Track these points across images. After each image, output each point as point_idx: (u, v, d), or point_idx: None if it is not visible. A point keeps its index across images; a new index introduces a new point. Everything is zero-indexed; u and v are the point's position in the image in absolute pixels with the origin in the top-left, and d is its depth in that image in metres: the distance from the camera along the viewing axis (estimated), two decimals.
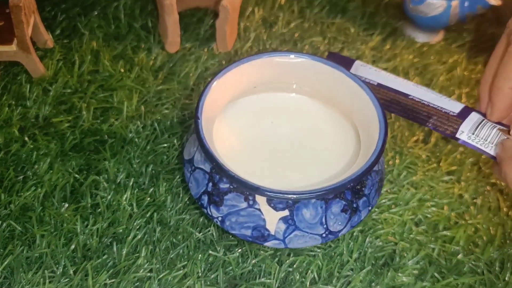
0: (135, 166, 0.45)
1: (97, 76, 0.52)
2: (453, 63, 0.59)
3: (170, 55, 0.55)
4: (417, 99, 0.41)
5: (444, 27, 0.59)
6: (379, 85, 0.41)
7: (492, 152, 0.36)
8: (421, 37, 0.61)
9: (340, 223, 0.37)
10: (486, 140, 0.37)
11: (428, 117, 0.39)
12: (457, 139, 0.38)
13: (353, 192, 0.37)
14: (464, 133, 0.38)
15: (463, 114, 0.39)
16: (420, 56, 0.59)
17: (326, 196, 0.35)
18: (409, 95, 0.41)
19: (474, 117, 0.38)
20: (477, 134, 0.38)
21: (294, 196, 0.34)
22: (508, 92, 0.36)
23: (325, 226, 0.36)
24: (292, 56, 0.41)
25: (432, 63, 0.59)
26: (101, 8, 0.59)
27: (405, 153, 0.49)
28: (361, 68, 0.43)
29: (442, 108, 0.39)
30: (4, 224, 0.41)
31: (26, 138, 0.46)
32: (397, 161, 0.48)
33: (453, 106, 0.40)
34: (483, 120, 0.38)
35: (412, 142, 0.50)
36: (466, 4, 0.56)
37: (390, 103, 0.40)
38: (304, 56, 0.41)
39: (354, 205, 0.37)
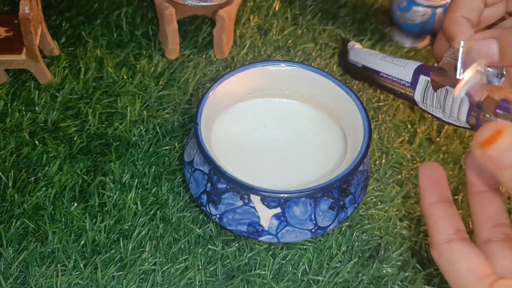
0: (138, 167, 0.48)
1: (102, 83, 0.55)
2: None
3: (170, 61, 0.58)
4: (385, 76, 0.40)
5: (430, 32, 0.63)
6: (363, 67, 0.42)
7: (439, 115, 0.33)
8: (408, 42, 0.64)
9: (328, 219, 0.40)
10: (433, 105, 0.34)
11: (398, 92, 0.39)
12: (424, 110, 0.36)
13: (339, 191, 0.40)
14: (420, 102, 0.36)
15: (414, 82, 0.36)
16: None
17: (315, 194, 0.38)
18: (380, 72, 0.41)
19: (421, 81, 0.35)
20: (426, 99, 0.35)
21: (285, 195, 0.37)
22: (461, 19, 0.33)
23: (314, 222, 0.40)
24: (283, 65, 0.44)
25: None
26: (104, 17, 0.62)
27: (391, 153, 0.52)
28: (353, 49, 0.44)
29: (400, 80, 0.38)
30: (18, 222, 0.44)
31: (36, 142, 0.49)
32: (383, 160, 0.52)
33: (406, 74, 0.37)
34: (428, 81, 0.35)
35: (398, 142, 0.54)
36: None
37: (373, 83, 0.41)
38: (295, 65, 0.44)
39: (341, 203, 0.40)
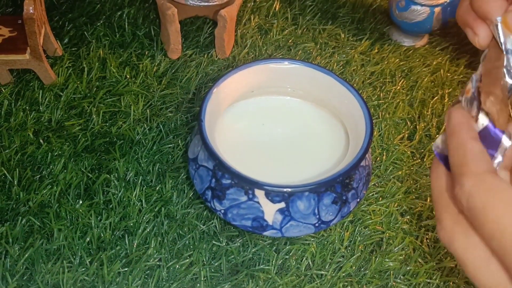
0: (143, 165, 0.49)
1: (105, 82, 0.55)
2: (436, 65, 0.63)
3: (172, 61, 0.58)
4: None
5: (428, 31, 0.63)
6: None
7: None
8: (407, 41, 0.65)
9: (331, 213, 0.41)
10: None
11: None
12: None
13: (342, 186, 0.41)
14: None
15: None
16: (406, 59, 0.63)
17: (318, 189, 0.39)
18: None
19: None
20: None
21: (289, 189, 0.38)
22: None
23: (317, 216, 0.40)
24: (286, 62, 0.45)
25: (417, 66, 0.63)
26: (106, 17, 0.62)
27: (391, 150, 0.53)
28: None
29: None
30: (24, 220, 0.45)
31: (41, 141, 0.50)
32: (384, 157, 0.52)
33: None
34: None
35: (398, 139, 0.54)
36: (448, 10, 0.60)
37: None
38: (297, 63, 0.45)
39: (344, 197, 0.41)
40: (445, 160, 0.26)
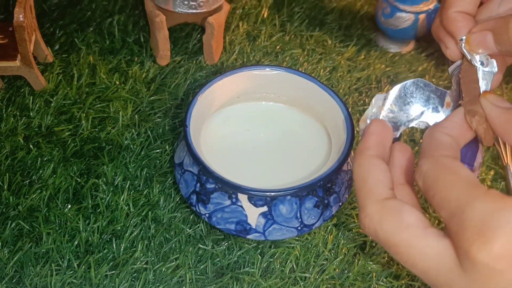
0: (131, 170, 0.50)
1: (94, 88, 0.56)
2: (422, 71, 0.64)
3: (161, 67, 0.59)
4: None
5: (414, 38, 0.65)
6: None
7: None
8: (393, 48, 0.66)
9: (313, 217, 0.42)
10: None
11: None
12: None
13: (324, 190, 0.42)
14: None
15: None
16: (392, 65, 0.64)
17: (300, 193, 0.40)
18: None
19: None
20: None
21: (272, 193, 0.39)
22: (455, 16, 0.32)
23: (300, 220, 0.41)
24: (268, 69, 0.46)
25: (403, 72, 0.64)
26: (96, 24, 0.63)
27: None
28: None
29: None
30: (13, 224, 0.45)
31: (31, 146, 0.51)
32: None
33: None
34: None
35: None
36: (432, 16, 0.62)
37: None
38: (280, 69, 0.46)
39: (326, 201, 0.42)
40: None
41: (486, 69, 0.32)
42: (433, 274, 0.22)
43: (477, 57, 0.31)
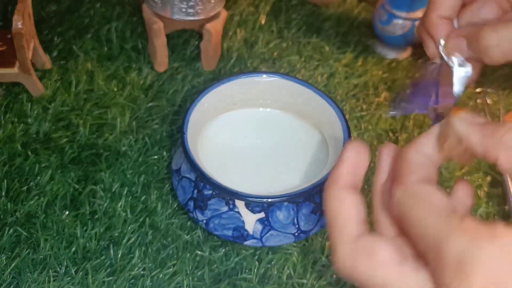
0: (128, 176, 0.50)
1: (92, 95, 0.57)
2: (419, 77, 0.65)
3: (159, 74, 0.60)
4: None
5: (410, 44, 0.65)
6: None
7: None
8: (390, 54, 0.67)
9: (310, 223, 0.42)
10: None
11: None
12: None
13: (321, 196, 0.42)
14: None
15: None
16: (389, 72, 0.65)
17: (297, 199, 0.40)
18: None
19: None
20: None
21: (269, 200, 0.39)
22: (437, 20, 0.34)
23: (297, 226, 0.41)
24: (264, 76, 0.46)
25: (400, 78, 0.64)
26: (95, 31, 0.63)
27: (373, 161, 0.54)
28: None
29: None
30: (11, 230, 0.45)
31: (29, 152, 0.51)
32: None
33: None
34: None
35: None
36: None
37: None
38: (276, 76, 0.46)
39: (323, 207, 0.42)
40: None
41: (462, 71, 0.35)
42: None
43: (454, 60, 0.35)
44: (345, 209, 0.23)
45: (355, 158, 0.24)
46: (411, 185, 0.22)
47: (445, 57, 0.35)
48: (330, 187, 0.24)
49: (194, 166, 0.40)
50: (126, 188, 0.49)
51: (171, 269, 0.44)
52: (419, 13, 0.61)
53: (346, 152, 0.24)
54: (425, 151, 0.24)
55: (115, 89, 0.57)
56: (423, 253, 0.21)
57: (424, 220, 0.21)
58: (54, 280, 0.43)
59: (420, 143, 0.25)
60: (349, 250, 0.22)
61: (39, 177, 0.49)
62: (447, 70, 0.35)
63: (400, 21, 0.62)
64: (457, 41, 0.34)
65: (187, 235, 0.47)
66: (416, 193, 0.22)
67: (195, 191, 0.42)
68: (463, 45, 0.34)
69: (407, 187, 0.22)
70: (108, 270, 0.44)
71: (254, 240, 0.41)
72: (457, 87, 0.34)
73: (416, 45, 0.67)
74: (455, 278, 0.19)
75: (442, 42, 0.35)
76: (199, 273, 0.45)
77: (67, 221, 0.46)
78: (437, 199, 0.21)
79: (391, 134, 0.57)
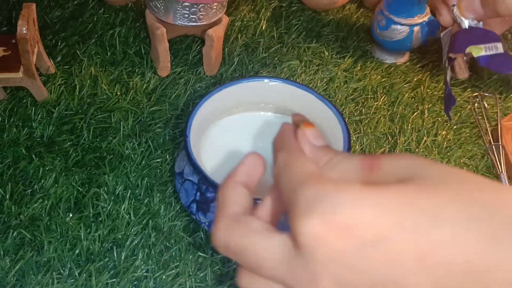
0: (131, 179, 0.51)
1: (96, 99, 0.57)
2: (417, 82, 0.66)
3: (161, 78, 0.60)
4: None
5: (409, 49, 0.66)
6: None
7: None
8: (388, 59, 0.68)
9: None
10: None
11: None
12: None
13: None
14: None
15: None
16: (387, 76, 0.66)
17: None
18: None
19: None
20: None
21: None
22: None
23: None
24: (266, 80, 0.47)
25: (398, 82, 0.65)
26: (98, 36, 0.64)
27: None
28: None
29: None
30: (15, 233, 0.46)
31: (33, 156, 0.51)
32: None
33: None
34: None
35: (379, 153, 0.56)
36: (426, 28, 0.63)
37: None
38: (277, 80, 0.47)
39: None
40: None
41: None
42: (278, 269, 0.23)
43: (466, 22, 0.38)
44: (234, 195, 0.26)
45: (253, 164, 0.28)
46: (291, 152, 0.27)
47: (457, 19, 0.38)
48: (227, 180, 0.27)
49: (196, 168, 0.41)
50: (129, 191, 0.50)
51: (174, 270, 0.45)
52: (417, 19, 0.62)
53: (247, 158, 0.28)
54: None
55: (118, 93, 0.58)
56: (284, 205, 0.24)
57: (287, 179, 0.24)
58: (58, 282, 0.43)
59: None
60: (227, 222, 0.25)
61: (43, 180, 0.50)
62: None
63: (398, 27, 0.63)
64: (470, 1, 0.37)
65: (190, 237, 0.47)
66: (289, 155, 0.26)
67: (198, 193, 0.42)
68: (476, 5, 0.37)
69: (287, 152, 0.27)
70: (112, 272, 0.44)
71: None
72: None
73: (414, 50, 0.68)
74: (301, 218, 0.21)
75: (455, 4, 0.38)
76: (201, 274, 0.45)
77: (70, 223, 0.47)
78: (305, 161, 0.25)
79: (390, 138, 0.58)
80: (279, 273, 0.23)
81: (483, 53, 0.41)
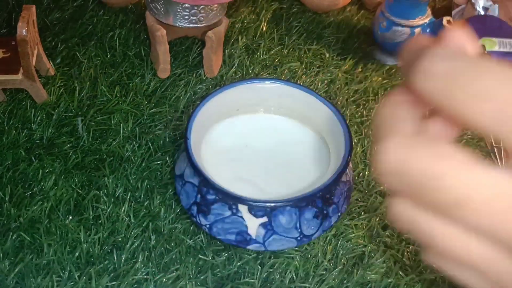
0: (131, 181, 0.50)
1: (96, 101, 0.57)
2: None
3: (162, 80, 0.60)
4: None
5: None
6: None
7: None
8: (389, 60, 0.68)
9: (312, 227, 0.42)
10: None
11: None
12: None
13: (323, 200, 0.42)
14: None
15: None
16: (388, 78, 0.65)
17: (299, 204, 0.40)
18: None
19: None
20: None
21: (272, 204, 0.40)
22: None
23: (299, 230, 0.42)
24: (267, 82, 0.47)
25: (399, 84, 0.65)
26: (98, 38, 0.64)
27: (374, 166, 0.55)
28: None
29: None
30: (15, 235, 0.46)
31: (32, 158, 0.51)
32: (366, 172, 0.54)
33: None
34: None
35: None
36: (427, 30, 0.63)
37: None
38: (278, 82, 0.47)
39: (325, 212, 0.42)
40: None
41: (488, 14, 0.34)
42: (497, 213, 0.15)
43: (481, 2, 0.34)
44: (401, 112, 0.19)
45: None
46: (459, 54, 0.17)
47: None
48: (385, 102, 0.19)
49: (197, 171, 0.40)
50: (129, 193, 0.49)
51: (174, 273, 0.45)
52: (418, 20, 0.62)
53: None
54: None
55: (118, 95, 0.58)
56: (487, 120, 0.15)
57: (493, 86, 0.15)
58: (57, 285, 0.43)
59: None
60: (403, 140, 0.17)
61: (42, 183, 0.49)
62: (472, 13, 0.34)
63: (399, 28, 0.63)
64: None
65: (190, 239, 0.47)
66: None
67: (199, 195, 0.42)
68: None
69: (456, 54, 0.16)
70: (112, 274, 0.44)
71: (257, 245, 0.42)
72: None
73: None
74: None
75: None
76: (202, 277, 0.45)
77: (70, 226, 0.47)
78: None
79: None
80: (495, 219, 0.15)
81: (496, 48, 0.37)
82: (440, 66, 0.16)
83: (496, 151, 0.57)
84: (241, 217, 0.41)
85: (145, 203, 0.49)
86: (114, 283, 0.44)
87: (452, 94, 0.16)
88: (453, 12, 0.37)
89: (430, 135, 0.19)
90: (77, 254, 0.45)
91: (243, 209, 0.41)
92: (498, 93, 0.15)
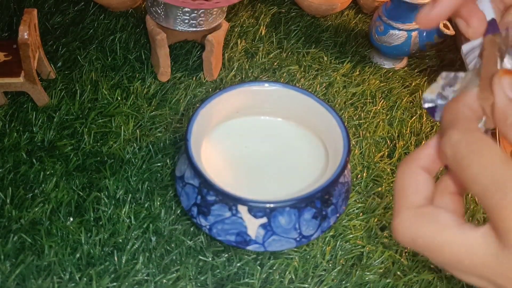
0: (132, 183, 0.51)
1: (97, 104, 0.58)
2: (415, 86, 0.66)
3: (162, 83, 0.61)
4: None
5: (407, 54, 0.66)
6: None
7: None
8: (387, 64, 0.68)
9: (311, 228, 0.42)
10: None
11: None
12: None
13: (322, 201, 0.43)
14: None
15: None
16: (386, 81, 0.66)
17: (298, 204, 0.41)
18: None
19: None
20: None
21: (271, 205, 0.40)
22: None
23: (298, 231, 0.42)
24: (266, 85, 0.47)
25: (397, 87, 0.65)
26: (99, 42, 0.65)
27: (372, 167, 0.55)
28: None
29: None
30: (16, 237, 0.46)
31: (34, 160, 0.52)
32: (364, 174, 0.55)
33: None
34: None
35: (378, 157, 0.57)
36: (424, 34, 0.64)
37: None
38: (277, 85, 0.47)
39: (324, 212, 0.43)
40: (433, 111, 0.29)
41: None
42: (481, 264, 0.21)
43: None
44: (416, 183, 0.24)
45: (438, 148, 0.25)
46: (472, 130, 0.23)
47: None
48: (407, 162, 0.25)
49: (197, 172, 0.41)
50: (130, 195, 0.50)
51: (175, 274, 0.45)
52: (415, 24, 0.63)
53: (432, 140, 0.25)
54: (471, 107, 0.24)
55: (119, 98, 0.58)
56: (478, 193, 0.21)
57: (485, 163, 0.21)
58: (58, 287, 0.43)
59: (466, 97, 0.25)
60: (412, 215, 0.23)
61: (43, 185, 0.50)
62: (493, 55, 0.29)
63: (396, 32, 0.63)
64: None
65: (190, 240, 0.47)
66: (478, 138, 0.22)
67: (199, 197, 0.42)
68: None
69: (468, 131, 0.23)
70: (112, 275, 0.44)
71: (257, 245, 0.42)
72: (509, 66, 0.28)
73: (412, 55, 0.69)
74: None
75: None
76: (202, 278, 0.45)
77: (71, 227, 0.47)
78: (497, 147, 0.22)
79: (388, 142, 0.59)
80: (485, 270, 0.21)
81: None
82: (456, 139, 0.22)
83: None
84: (241, 218, 0.41)
85: (146, 205, 0.49)
86: (114, 284, 0.44)
87: (457, 168, 0.22)
88: (463, 48, 0.32)
89: (441, 188, 0.25)
90: (78, 255, 0.45)
91: (242, 210, 0.41)
92: (483, 178, 0.21)
